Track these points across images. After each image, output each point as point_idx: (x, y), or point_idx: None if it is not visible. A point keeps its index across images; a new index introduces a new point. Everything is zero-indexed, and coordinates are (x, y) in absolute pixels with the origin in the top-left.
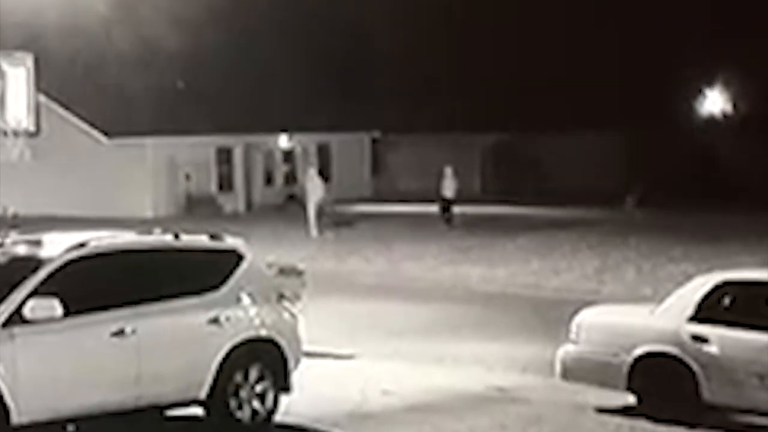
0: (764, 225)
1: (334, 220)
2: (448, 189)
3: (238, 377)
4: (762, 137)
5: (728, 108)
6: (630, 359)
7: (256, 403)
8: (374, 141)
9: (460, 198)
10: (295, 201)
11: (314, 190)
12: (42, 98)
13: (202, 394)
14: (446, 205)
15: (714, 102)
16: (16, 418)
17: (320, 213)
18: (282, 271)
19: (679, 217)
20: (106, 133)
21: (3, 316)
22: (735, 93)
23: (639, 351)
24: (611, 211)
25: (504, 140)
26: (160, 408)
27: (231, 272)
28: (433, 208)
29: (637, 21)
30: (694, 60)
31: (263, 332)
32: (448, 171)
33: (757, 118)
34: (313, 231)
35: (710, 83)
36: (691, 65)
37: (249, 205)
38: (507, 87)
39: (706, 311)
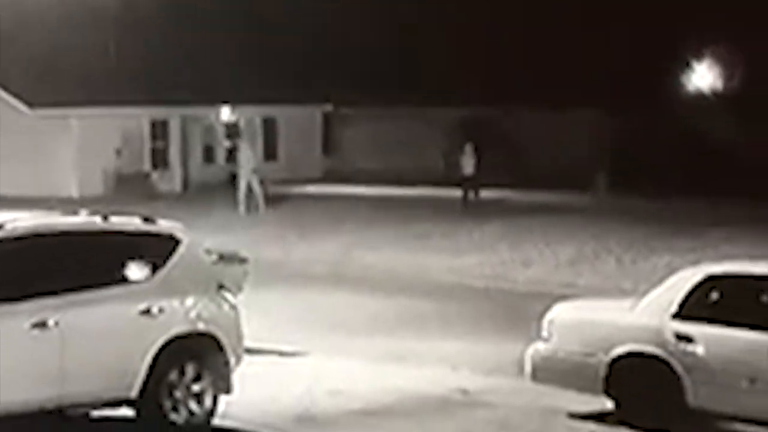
0: (751, 214)
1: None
2: (468, 166)
3: (173, 375)
4: (754, 118)
5: (718, 84)
6: (607, 360)
7: (192, 405)
8: (326, 115)
9: (423, 179)
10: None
11: (245, 164)
12: None
13: (133, 394)
14: (466, 183)
15: (702, 77)
16: None
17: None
18: (222, 258)
19: (662, 204)
20: (27, 103)
21: None
22: (727, 68)
23: (618, 351)
24: (588, 196)
25: (473, 116)
26: (86, 408)
27: (165, 259)
28: (391, 191)
29: None
30: (682, 31)
31: (201, 326)
32: (468, 148)
33: (751, 97)
34: (241, 207)
35: (699, 56)
36: (678, 36)
37: (186, 184)
38: (476, 57)
39: (692, 308)
